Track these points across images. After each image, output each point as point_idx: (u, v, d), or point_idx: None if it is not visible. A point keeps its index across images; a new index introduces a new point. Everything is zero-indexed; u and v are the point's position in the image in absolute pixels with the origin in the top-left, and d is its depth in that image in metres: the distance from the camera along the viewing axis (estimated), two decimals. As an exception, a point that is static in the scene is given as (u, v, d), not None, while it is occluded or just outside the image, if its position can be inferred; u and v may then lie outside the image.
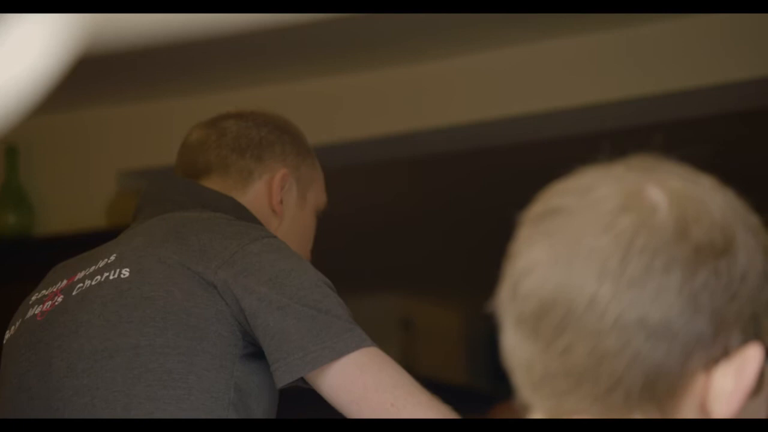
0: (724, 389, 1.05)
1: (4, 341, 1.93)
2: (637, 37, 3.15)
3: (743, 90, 3.14)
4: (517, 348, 1.09)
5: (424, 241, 5.02)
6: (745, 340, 1.05)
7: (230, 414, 1.76)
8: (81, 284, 1.85)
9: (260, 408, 1.80)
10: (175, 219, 1.88)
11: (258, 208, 1.99)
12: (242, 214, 1.95)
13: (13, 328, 1.92)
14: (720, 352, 1.04)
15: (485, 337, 5.72)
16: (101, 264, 1.85)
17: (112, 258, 1.84)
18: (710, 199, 1.07)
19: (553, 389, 1.07)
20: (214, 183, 1.99)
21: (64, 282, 1.88)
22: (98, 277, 1.83)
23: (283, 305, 1.74)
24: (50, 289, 1.90)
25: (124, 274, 1.80)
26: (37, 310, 1.88)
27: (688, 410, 1.05)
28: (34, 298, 1.92)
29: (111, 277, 1.81)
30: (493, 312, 1.12)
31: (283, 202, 2.02)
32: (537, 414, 1.10)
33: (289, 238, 1.95)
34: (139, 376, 1.75)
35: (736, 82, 3.09)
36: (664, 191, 1.07)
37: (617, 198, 1.07)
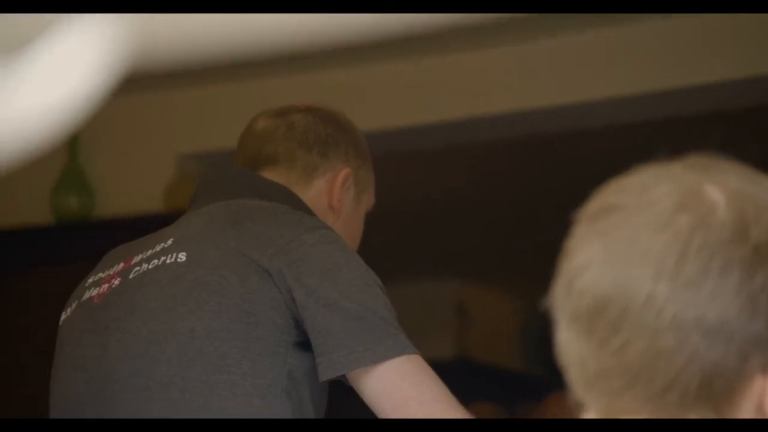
0: (781, 392, 1.04)
1: (60, 323, 1.95)
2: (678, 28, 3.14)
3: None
4: (570, 345, 1.09)
5: (481, 227, 5.01)
6: (804, 342, 1.05)
7: (283, 401, 1.77)
8: (138, 267, 1.86)
9: (312, 396, 1.81)
10: (233, 206, 1.89)
11: (317, 204, 2.00)
12: (299, 206, 1.96)
13: (69, 309, 1.94)
14: None
15: (541, 324, 5.70)
16: (158, 248, 1.86)
17: (169, 242, 1.85)
18: None
19: (606, 387, 1.07)
20: (277, 174, 2.00)
21: (121, 265, 1.90)
22: (155, 260, 1.84)
23: (331, 302, 1.75)
24: (107, 272, 1.91)
25: (180, 258, 1.82)
26: (93, 292, 1.90)
27: (744, 412, 1.05)
28: (90, 280, 1.94)
29: (168, 261, 1.82)
30: (548, 306, 1.12)
31: (342, 201, 2.03)
32: (590, 412, 1.10)
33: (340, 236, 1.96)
34: (194, 359, 1.76)
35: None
36: (723, 190, 1.06)
37: (675, 197, 1.06)
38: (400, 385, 1.74)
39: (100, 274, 1.92)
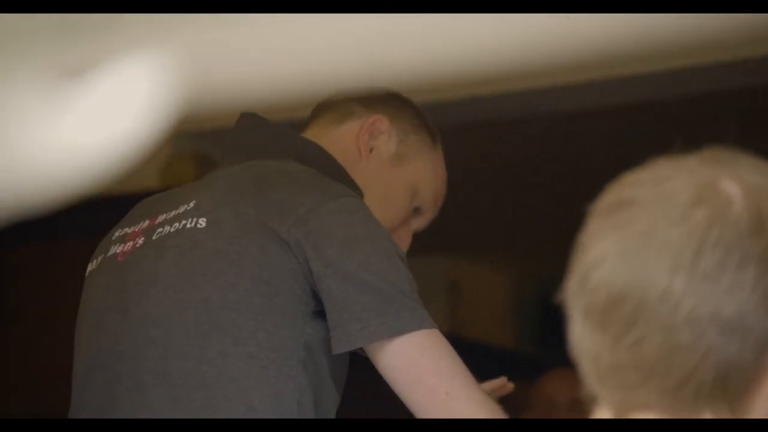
0: (797, 388, 1.04)
1: (86, 274, 1.94)
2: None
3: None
4: (584, 339, 1.08)
5: (473, 204, 5.01)
6: (819, 338, 1.04)
7: (299, 372, 1.75)
8: (161, 229, 1.84)
9: (331, 366, 1.79)
10: (256, 168, 1.86)
11: (345, 145, 1.97)
12: (326, 162, 1.93)
13: (95, 262, 1.92)
14: None
15: (533, 302, 5.71)
16: (181, 210, 1.84)
17: (191, 205, 1.83)
18: None
19: (620, 382, 1.06)
20: (313, 124, 2.00)
21: (146, 223, 1.88)
22: (176, 224, 1.82)
23: (349, 274, 1.73)
24: (132, 228, 1.89)
25: (200, 224, 1.80)
26: (118, 249, 1.88)
27: (759, 410, 1.04)
28: (116, 234, 1.92)
29: (188, 226, 1.81)
30: (562, 300, 1.11)
31: (376, 149, 2.00)
32: (603, 406, 1.09)
33: (368, 190, 1.94)
34: (210, 331, 1.75)
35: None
36: (739, 184, 1.05)
37: (691, 190, 1.05)
38: (418, 358, 1.73)
39: (126, 230, 1.90)
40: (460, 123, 3.68)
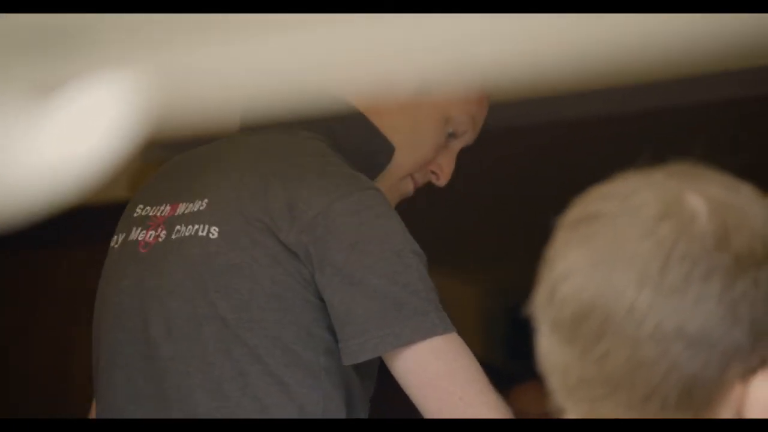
0: (761, 400, 1.05)
1: (110, 248, 1.91)
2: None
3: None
4: (552, 352, 1.09)
5: (441, 215, 5.02)
6: (783, 351, 1.05)
7: (322, 381, 1.73)
8: (179, 226, 1.82)
9: (359, 365, 1.77)
10: (269, 154, 1.81)
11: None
12: (357, 129, 1.87)
13: (118, 238, 1.90)
14: (758, 363, 1.04)
15: (501, 313, 5.73)
16: (196, 206, 1.82)
17: (205, 204, 1.81)
18: (750, 208, 1.07)
19: (587, 395, 1.07)
20: None
21: (167, 209, 1.85)
22: (191, 227, 1.80)
23: (357, 280, 1.69)
24: (155, 211, 1.87)
25: (212, 234, 1.77)
26: (141, 235, 1.86)
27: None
28: (138, 212, 1.89)
29: (201, 233, 1.78)
30: (529, 312, 1.12)
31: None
32: (571, 418, 1.10)
33: (396, 132, 1.89)
34: (228, 349, 1.74)
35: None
36: (704, 199, 1.07)
37: (657, 205, 1.06)
38: (433, 362, 1.69)
39: (148, 209, 1.88)
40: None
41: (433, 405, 1.69)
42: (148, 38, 0.89)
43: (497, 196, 4.72)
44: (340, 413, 1.75)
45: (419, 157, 1.92)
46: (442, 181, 2.00)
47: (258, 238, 1.74)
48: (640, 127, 3.63)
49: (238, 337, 1.73)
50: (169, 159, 2.02)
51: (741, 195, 1.08)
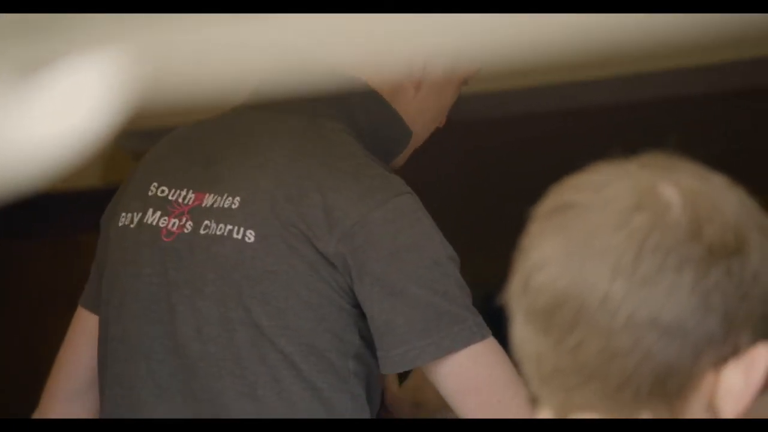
0: (733, 388, 1.06)
1: (122, 225, 1.85)
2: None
3: None
4: (526, 341, 1.10)
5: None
6: (755, 339, 1.06)
7: (352, 384, 1.75)
8: (207, 221, 1.78)
9: (376, 364, 1.78)
10: (303, 156, 1.77)
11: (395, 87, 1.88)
12: (379, 116, 1.85)
13: (135, 218, 1.84)
14: (730, 352, 1.06)
15: (476, 303, 5.73)
16: (226, 203, 1.78)
17: (237, 202, 1.77)
18: (723, 199, 1.08)
19: (562, 384, 1.08)
20: None
21: (192, 197, 1.81)
22: (222, 225, 1.77)
23: (396, 291, 1.70)
24: (176, 196, 1.82)
25: (248, 238, 1.75)
26: (162, 221, 1.82)
27: (696, 408, 1.06)
28: (154, 191, 1.84)
29: (235, 236, 1.76)
30: (503, 301, 1.12)
31: (424, 82, 1.89)
32: (545, 407, 1.11)
33: (422, 114, 1.88)
34: (263, 355, 1.74)
35: None
36: (678, 190, 1.07)
37: (631, 196, 1.07)
38: (471, 367, 1.71)
39: (165, 190, 1.83)
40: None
41: (473, 409, 1.72)
42: (135, 16, 0.89)
43: (471, 187, 4.73)
44: (365, 414, 1.78)
45: (437, 124, 1.93)
46: (443, 123, 1.99)
47: (295, 245, 1.73)
48: (614, 119, 3.65)
49: (273, 344, 1.73)
50: (141, 148, 2.00)
51: (713, 185, 1.09)
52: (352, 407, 1.76)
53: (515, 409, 1.70)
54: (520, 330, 1.10)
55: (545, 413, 1.11)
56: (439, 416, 1.96)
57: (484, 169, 4.60)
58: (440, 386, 1.74)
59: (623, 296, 1.04)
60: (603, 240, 1.06)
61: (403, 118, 1.89)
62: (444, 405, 1.81)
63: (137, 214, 1.84)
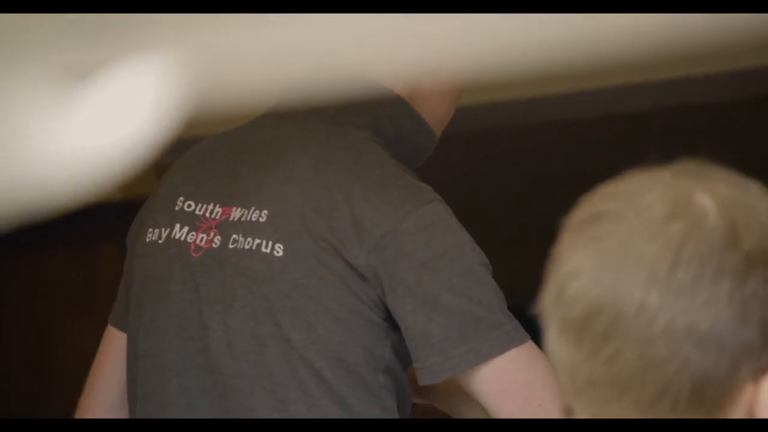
0: (772, 400, 1.04)
1: (149, 241, 1.84)
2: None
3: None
4: (560, 352, 1.09)
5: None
6: (794, 350, 1.05)
7: (383, 397, 1.74)
8: (235, 235, 1.77)
9: (405, 374, 1.77)
10: (331, 167, 1.75)
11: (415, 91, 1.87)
12: (406, 122, 1.84)
13: (163, 234, 1.82)
14: None
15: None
16: (254, 216, 1.76)
17: (264, 216, 1.76)
18: (759, 206, 1.06)
19: (597, 395, 1.07)
20: None
21: (219, 211, 1.80)
22: (250, 239, 1.75)
23: (430, 299, 1.69)
24: (203, 210, 1.81)
25: (277, 252, 1.73)
26: (190, 236, 1.80)
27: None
28: (180, 206, 1.82)
29: (263, 250, 1.74)
30: (536, 312, 1.11)
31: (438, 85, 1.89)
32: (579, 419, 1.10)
33: (438, 112, 1.87)
34: (293, 370, 1.72)
35: None
36: (713, 198, 1.06)
37: (666, 204, 1.06)
38: (509, 370, 1.69)
39: (192, 205, 1.82)
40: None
41: (512, 411, 1.70)
42: (186, 18, 0.88)
43: (502, 196, 4.72)
44: None
45: (446, 123, 1.92)
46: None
47: (324, 259, 1.72)
48: (646, 127, 3.63)
49: (303, 358, 1.72)
50: (162, 161, 1.98)
51: (750, 193, 1.07)
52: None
53: (556, 412, 1.67)
54: (553, 341, 1.09)
55: (580, 425, 1.09)
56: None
57: (515, 177, 4.58)
58: (476, 390, 1.72)
59: (659, 305, 1.03)
60: (638, 249, 1.04)
61: (427, 123, 1.88)
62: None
63: (165, 229, 1.83)
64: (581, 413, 1.09)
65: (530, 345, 1.71)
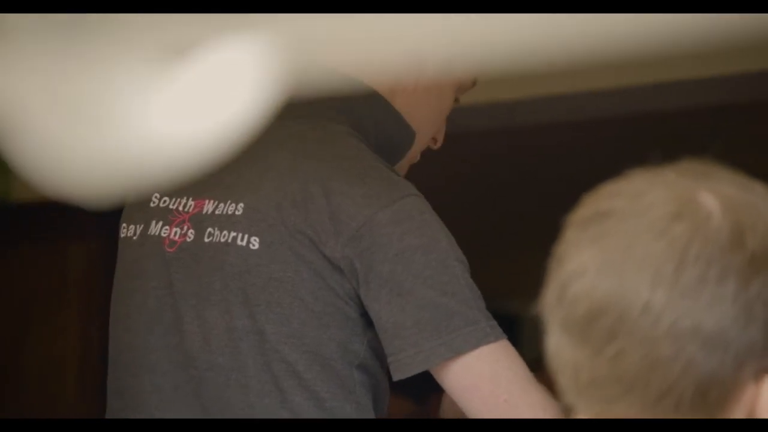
0: (775, 400, 1.04)
1: (126, 238, 1.84)
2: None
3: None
4: (562, 351, 1.08)
5: (443, 214, 4.98)
6: (797, 351, 1.05)
7: (358, 394, 1.73)
8: (210, 228, 1.76)
9: (383, 370, 1.76)
10: (308, 160, 1.75)
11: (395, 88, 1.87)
12: (384, 117, 1.84)
13: (138, 230, 1.82)
14: None
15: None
16: (229, 210, 1.76)
17: (240, 209, 1.75)
18: (764, 207, 1.07)
19: (600, 395, 1.06)
20: None
21: (191, 204, 1.79)
22: (226, 233, 1.75)
23: (404, 291, 1.68)
24: (176, 204, 1.81)
25: (253, 245, 1.73)
26: (164, 231, 1.80)
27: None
28: (155, 202, 1.82)
29: (239, 243, 1.74)
30: (537, 311, 1.11)
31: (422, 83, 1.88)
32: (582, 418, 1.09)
33: (419, 115, 1.86)
34: (267, 363, 1.72)
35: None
36: (718, 198, 1.06)
37: (670, 204, 1.06)
38: (475, 364, 1.68)
39: (167, 200, 1.81)
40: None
41: (478, 407, 1.69)
42: None
43: (503, 196, 4.71)
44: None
45: (434, 131, 1.91)
46: (438, 144, 1.98)
47: (301, 252, 1.71)
48: (649, 127, 3.63)
49: (278, 352, 1.72)
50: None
51: (754, 194, 1.08)
52: (357, 417, 1.74)
53: (524, 408, 1.67)
54: (555, 340, 1.09)
55: (581, 425, 1.09)
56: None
57: (517, 178, 4.57)
58: (445, 384, 1.71)
59: (665, 305, 1.03)
60: (642, 248, 1.04)
61: (405, 120, 1.87)
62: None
63: (139, 225, 1.83)
64: (584, 412, 1.09)
65: (506, 343, 1.71)
